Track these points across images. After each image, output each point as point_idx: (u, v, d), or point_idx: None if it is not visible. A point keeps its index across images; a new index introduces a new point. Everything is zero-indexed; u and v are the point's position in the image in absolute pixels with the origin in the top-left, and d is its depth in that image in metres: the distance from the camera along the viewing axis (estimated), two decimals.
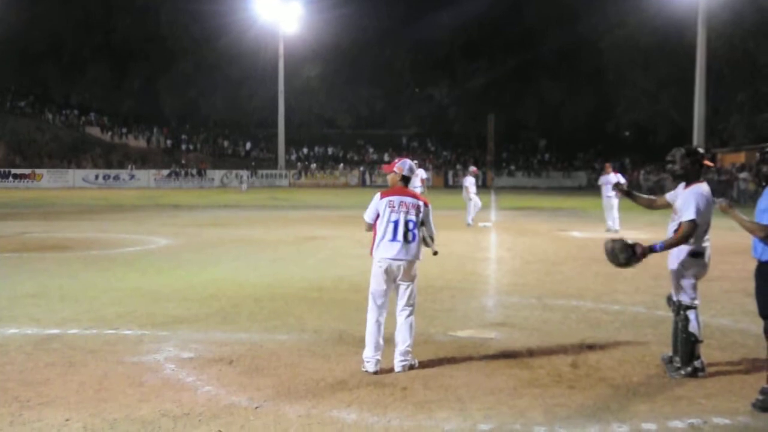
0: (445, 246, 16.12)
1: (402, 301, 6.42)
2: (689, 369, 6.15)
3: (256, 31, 58.42)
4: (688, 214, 6.04)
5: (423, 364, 6.51)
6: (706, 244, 6.23)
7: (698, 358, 6.19)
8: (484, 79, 65.69)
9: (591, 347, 7.17)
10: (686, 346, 6.18)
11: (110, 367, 6.41)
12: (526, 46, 63.24)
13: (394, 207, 6.35)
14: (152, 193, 45.55)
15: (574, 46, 60.54)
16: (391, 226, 6.32)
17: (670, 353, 6.42)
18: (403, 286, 6.38)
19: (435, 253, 6.58)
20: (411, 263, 6.36)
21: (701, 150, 6.44)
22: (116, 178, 56.17)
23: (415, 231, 6.34)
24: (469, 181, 21.65)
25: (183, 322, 8.21)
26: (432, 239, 6.54)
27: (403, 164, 6.59)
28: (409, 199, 6.41)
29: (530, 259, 14.07)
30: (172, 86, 66.16)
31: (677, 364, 6.24)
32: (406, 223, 6.32)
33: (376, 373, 6.17)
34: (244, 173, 53.99)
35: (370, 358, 6.24)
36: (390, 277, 6.33)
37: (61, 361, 6.61)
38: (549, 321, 8.41)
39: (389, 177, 6.64)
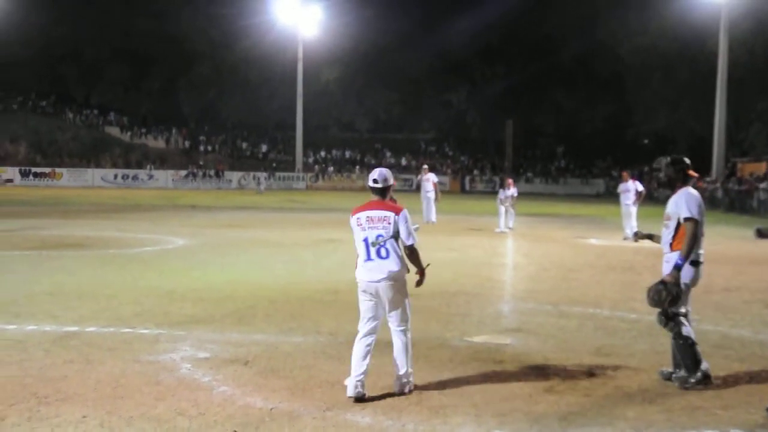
0: (461, 251, 16.13)
1: (392, 322, 5.92)
2: (699, 375, 6.03)
3: (275, 34, 58.60)
4: (684, 212, 6.07)
5: (438, 369, 6.50)
6: (701, 251, 6.18)
7: (702, 361, 6.09)
8: (503, 84, 65.53)
9: (607, 355, 7.13)
10: (687, 352, 6.07)
11: (127, 366, 6.46)
12: (545, 52, 63.02)
13: (361, 224, 5.87)
14: (170, 193, 45.80)
15: (593, 52, 60.26)
16: (362, 245, 5.87)
17: (670, 369, 6.28)
18: (389, 306, 5.86)
19: (426, 265, 6.04)
20: (391, 282, 5.79)
21: (687, 160, 6.43)
22: (135, 178, 56.53)
23: (388, 246, 5.79)
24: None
25: (199, 322, 8.25)
26: (412, 250, 5.87)
27: (371, 174, 6.02)
28: (376, 213, 5.85)
29: (547, 265, 14.01)
30: (191, 88, 66.54)
31: (684, 374, 6.10)
32: (376, 238, 5.81)
33: (356, 398, 5.58)
34: (262, 175, 54.26)
35: (349, 380, 5.73)
36: (373, 298, 5.87)
37: (78, 358, 6.66)
38: (565, 328, 8.37)
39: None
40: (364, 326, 5.91)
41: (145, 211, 27.68)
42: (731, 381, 6.28)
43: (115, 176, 56.46)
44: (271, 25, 58.05)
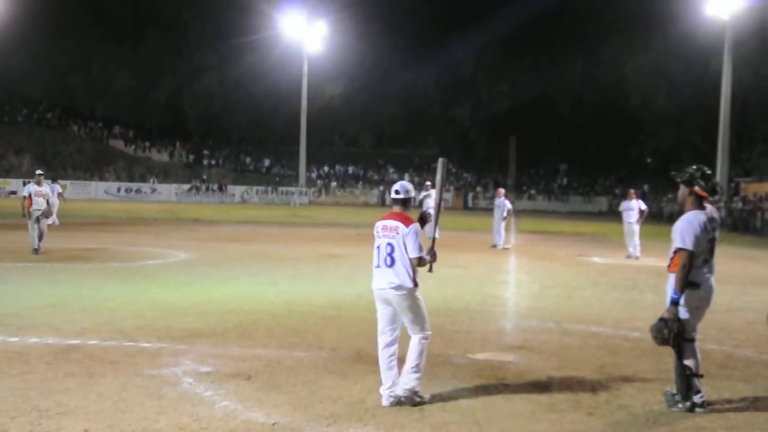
0: (464, 268, 16.10)
1: (408, 330, 6.11)
2: (688, 404, 5.89)
3: (281, 49, 58.96)
4: (678, 242, 5.90)
5: (441, 385, 6.47)
6: (707, 273, 5.98)
7: (698, 392, 5.91)
8: (507, 101, 65.72)
9: (610, 374, 7.10)
10: (682, 380, 5.93)
11: (129, 379, 6.44)
12: (550, 70, 63.27)
13: (377, 232, 6.13)
14: (173, 207, 45.86)
15: (598, 71, 60.53)
16: (375, 252, 6.11)
17: (674, 390, 6.12)
18: (402, 314, 6.05)
19: (430, 270, 6.23)
20: (397, 292, 5.95)
21: (702, 176, 6.06)
22: (138, 191, 56.70)
23: (394, 255, 5.97)
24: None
25: (201, 336, 8.24)
26: (419, 262, 5.99)
27: (394, 186, 6.31)
28: (389, 222, 6.08)
29: (550, 283, 13.98)
30: (196, 101, 66.86)
31: (677, 397, 6.00)
32: (386, 246, 6.02)
33: (390, 406, 5.83)
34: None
35: (382, 392, 5.97)
36: (387, 305, 6.06)
37: (80, 371, 6.65)
38: (568, 346, 8.34)
39: None
40: (381, 337, 6.09)
41: (148, 225, 27.71)
42: (735, 401, 6.25)
43: (119, 189, 56.65)
44: (276, 40, 58.43)
